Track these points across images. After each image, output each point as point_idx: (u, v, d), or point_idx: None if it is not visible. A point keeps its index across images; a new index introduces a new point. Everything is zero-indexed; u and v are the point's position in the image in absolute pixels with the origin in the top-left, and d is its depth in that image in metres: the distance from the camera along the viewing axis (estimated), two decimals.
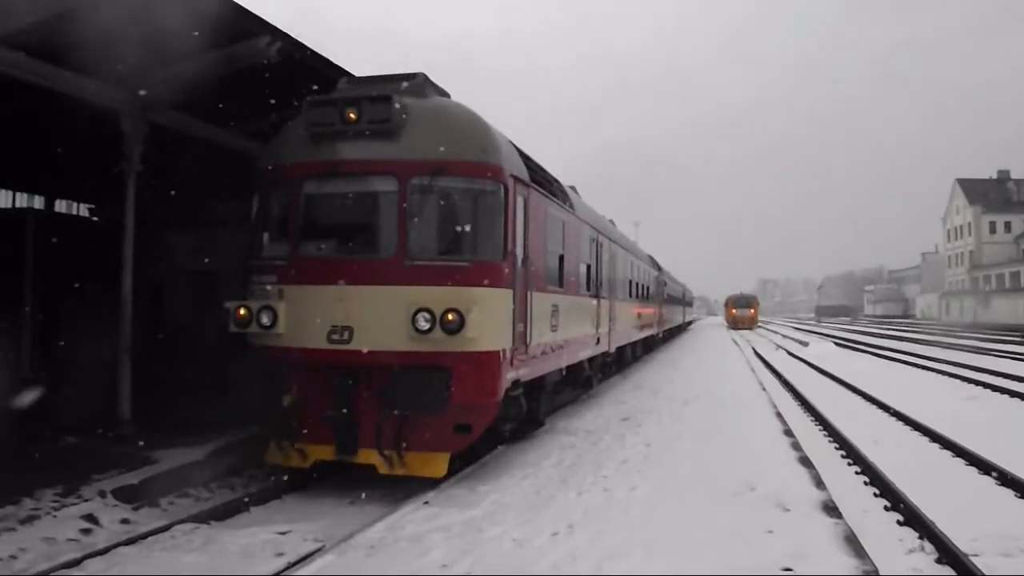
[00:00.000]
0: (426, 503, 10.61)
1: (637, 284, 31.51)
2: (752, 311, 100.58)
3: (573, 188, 21.08)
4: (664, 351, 44.95)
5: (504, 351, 11.84)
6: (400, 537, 9.24)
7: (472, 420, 11.38)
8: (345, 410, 11.35)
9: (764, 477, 10.90)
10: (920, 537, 9.88)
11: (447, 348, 11.06)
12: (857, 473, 13.66)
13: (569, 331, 16.86)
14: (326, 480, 12.58)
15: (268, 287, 12.09)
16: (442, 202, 11.81)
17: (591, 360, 21.09)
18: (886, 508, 11.38)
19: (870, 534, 9.32)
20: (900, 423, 19.12)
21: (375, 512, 10.69)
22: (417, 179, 11.56)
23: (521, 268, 12.75)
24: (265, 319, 11.74)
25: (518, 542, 8.76)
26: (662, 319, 44.18)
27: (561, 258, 16.44)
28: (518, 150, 13.63)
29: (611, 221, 29.35)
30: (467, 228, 11.98)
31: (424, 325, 10.97)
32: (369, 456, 11.32)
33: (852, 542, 8.18)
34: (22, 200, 24.47)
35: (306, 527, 10.29)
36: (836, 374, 30.32)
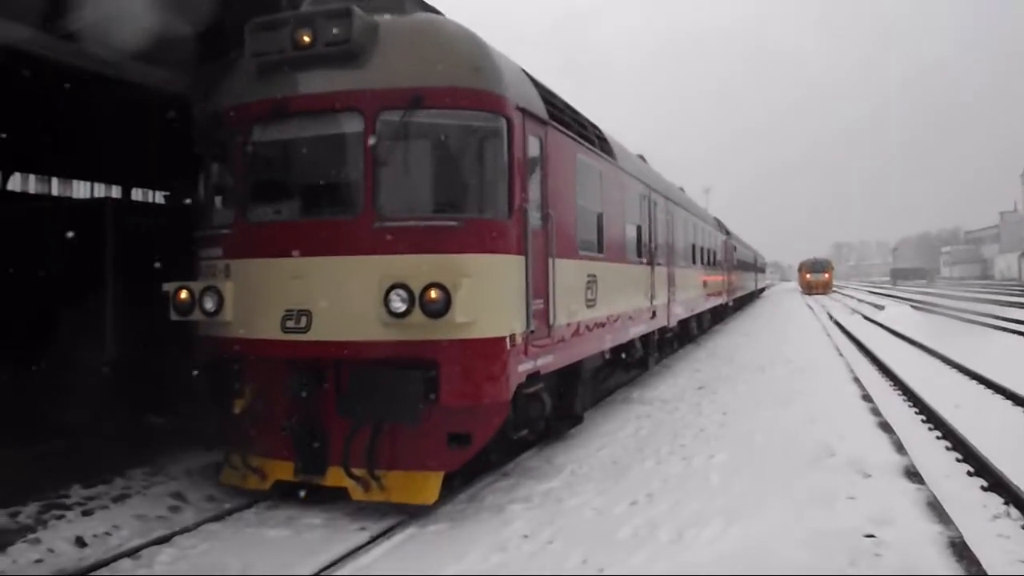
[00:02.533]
0: (505, 474, 10.75)
1: (702, 249, 28.62)
2: (826, 275, 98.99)
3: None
4: (736, 319, 44.55)
5: (513, 336, 9.38)
6: (481, 508, 9.40)
7: (471, 428, 9.11)
8: (305, 418, 9.27)
9: (843, 443, 10.81)
10: (1005, 503, 9.78)
11: (432, 336, 8.78)
12: (938, 438, 13.51)
13: (613, 306, 14.27)
14: None
15: (213, 263, 10.10)
16: (422, 143, 9.48)
17: (645, 338, 18.15)
18: (969, 473, 11.26)
19: (953, 500, 9.23)
20: (981, 386, 18.82)
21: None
22: (388, 114, 9.10)
23: (538, 229, 10.29)
24: (209, 303, 9.64)
25: (598, 511, 8.86)
26: (731, 286, 41.32)
27: (600, 217, 13.75)
28: (531, 79, 11.09)
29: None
30: (457, 177, 9.69)
31: (399, 306, 8.61)
32: (340, 477, 9.13)
33: (935, 507, 8.10)
34: (100, 190, 25.19)
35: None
36: (913, 337, 29.84)
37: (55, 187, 28.92)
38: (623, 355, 16.11)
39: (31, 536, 8.68)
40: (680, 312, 22.87)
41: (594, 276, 13.02)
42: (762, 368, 20.33)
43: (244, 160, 9.78)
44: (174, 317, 9.92)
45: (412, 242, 8.96)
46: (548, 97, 11.43)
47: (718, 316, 37.98)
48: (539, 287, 10.20)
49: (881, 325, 38.25)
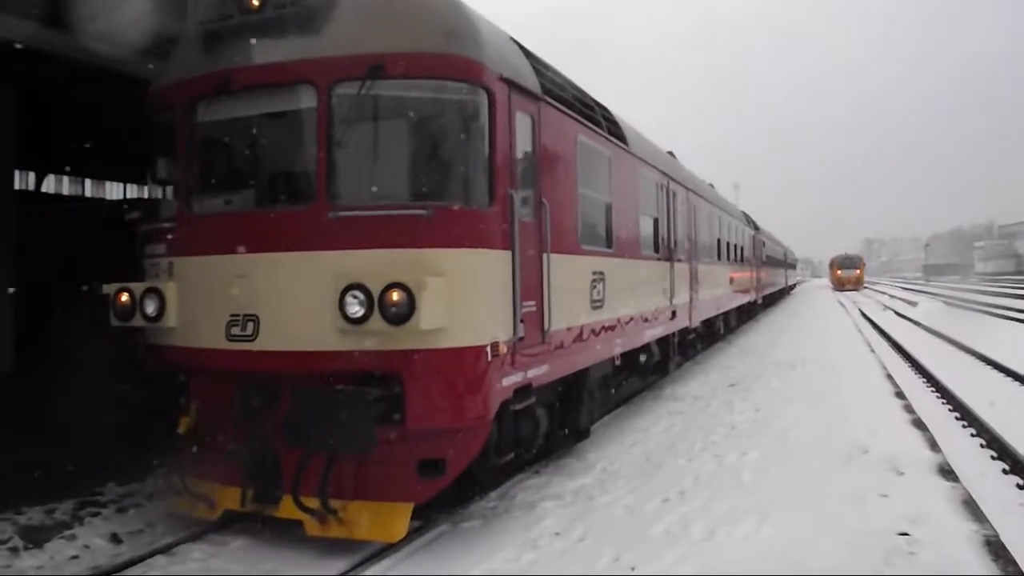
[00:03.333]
0: (537, 472, 10.76)
1: (728, 244, 27.12)
2: (858, 271, 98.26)
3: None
4: (767, 316, 44.29)
5: (496, 345, 8.09)
6: (512, 506, 9.42)
7: (445, 453, 7.96)
8: (255, 441, 7.99)
9: (877, 440, 10.75)
10: None
11: (396, 346, 7.57)
12: (972, 435, 13.42)
13: (624, 306, 12.92)
14: None
15: (156, 261, 8.99)
16: (385, 119, 8.25)
17: (663, 340, 16.73)
18: (1005, 471, 11.18)
19: (989, 498, 9.16)
20: (1016, 383, 18.65)
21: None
22: (344, 86, 7.90)
23: (530, 220, 9.01)
24: (150, 307, 8.52)
25: (630, 508, 8.86)
26: (760, 283, 39.70)
27: (609, 209, 12.43)
28: (522, 48, 9.77)
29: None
30: (426, 159, 8.37)
31: (355, 311, 7.43)
32: (294, 509, 7.85)
33: (970, 505, 8.04)
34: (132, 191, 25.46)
35: None
36: (947, 334, 29.58)
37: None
38: (640, 359, 14.88)
39: (67, 532, 8.82)
40: (704, 311, 21.54)
41: (601, 274, 11.68)
42: (794, 365, 20.22)
43: (187, 143, 8.68)
44: (115, 323, 8.82)
45: (372, 235, 7.71)
46: (542, 70, 10.05)
47: (747, 314, 36.64)
48: (530, 287, 8.93)
49: (914, 321, 37.94)
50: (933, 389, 18.20)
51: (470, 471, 8.46)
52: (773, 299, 54.50)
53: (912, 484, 8.88)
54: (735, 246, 29.25)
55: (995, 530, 7.30)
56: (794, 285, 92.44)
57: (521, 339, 8.63)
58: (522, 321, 8.62)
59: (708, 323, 23.65)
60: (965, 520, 7.59)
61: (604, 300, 11.77)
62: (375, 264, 7.58)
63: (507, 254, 8.40)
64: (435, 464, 7.98)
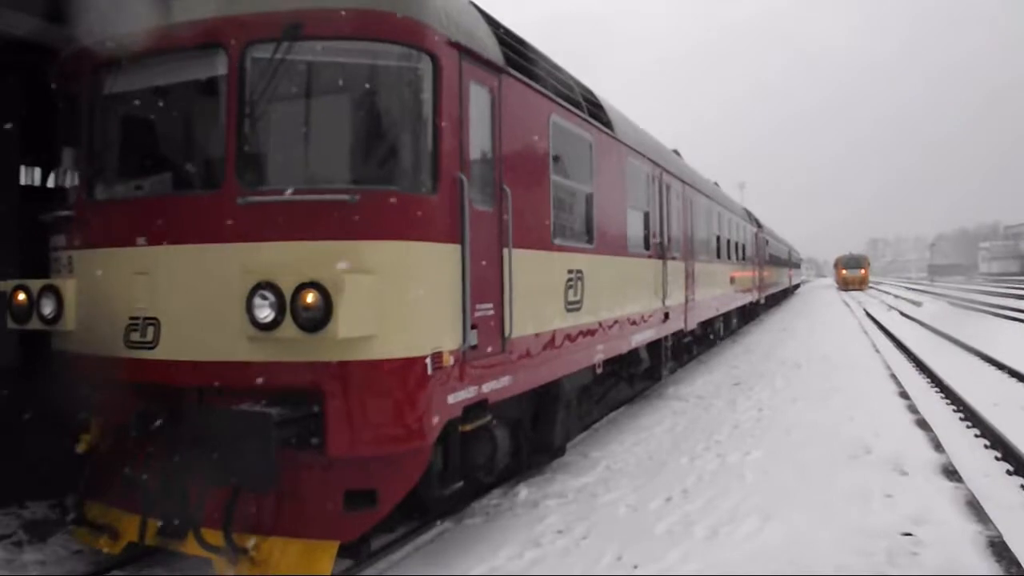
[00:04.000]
0: (539, 470, 10.75)
1: (729, 242, 25.89)
2: (863, 271, 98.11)
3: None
4: (771, 316, 44.24)
5: (438, 356, 6.86)
6: (515, 503, 9.41)
7: (376, 483, 6.75)
8: (157, 465, 6.65)
9: (880, 440, 10.74)
10: None
11: (314, 357, 6.38)
12: (977, 436, 13.38)
13: (607, 308, 11.70)
14: None
15: (58, 255, 7.89)
16: (306, 87, 7.01)
17: (654, 345, 15.36)
18: (1009, 472, 11.15)
19: (992, 499, 9.15)
20: (1021, 384, 18.61)
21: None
22: (258, 49, 6.69)
23: (487, 210, 7.80)
24: (47, 308, 7.38)
25: (632, 507, 8.85)
26: (763, 283, 38.53)
27: (590, 200, 11.16)
28: (481, 11, 8.52)
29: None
30: (354, 134, 7.15)
31: (265, 314, 6.20)
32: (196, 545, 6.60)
33: (974, 506, 8.04)
34: None
35: None
36: (951, 334, 29.53)
37: None
38: (627, 367, 13.89)
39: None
40: (701, 313, 20.16)
41: (579, 272, 10.44)
42: (798, 364, 20.20)
43: (88, 120, 7.55)
44: (11, 325, 7.65)
45: (288, 225, 6.50)
46: (507, 38, 8.76)
47: (748, 315, 35.65)
48: (486, 287, 7.73)
49: (918, 321, 37.88)
50: (937, 389, 18.16)
51: (419, 497, 7.40)
52: (776, 299, 53.88)
53: (916, 484, 8.88)
54: (736, 244, 28.10)
55: (999, 531, 7.30)
56: (798, 285, 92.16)
57: (474, 348, 7.45)
58: (475, 327, 7.46)
59: (706, 325, 22.53)
60: (969, 521, 7.60)
61: (582, 302, 10.56)
62: (290, 259, 6.41)
63: (455, 249, 7.19)
64: (365, 496, 6.74)
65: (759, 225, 39.22)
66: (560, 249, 9.86)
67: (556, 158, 9.77)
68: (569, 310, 10.11)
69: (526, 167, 8.94)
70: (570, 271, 10.17)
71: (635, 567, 7.14)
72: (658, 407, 15.18)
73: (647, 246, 14.44)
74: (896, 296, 73.11)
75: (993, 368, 21.40)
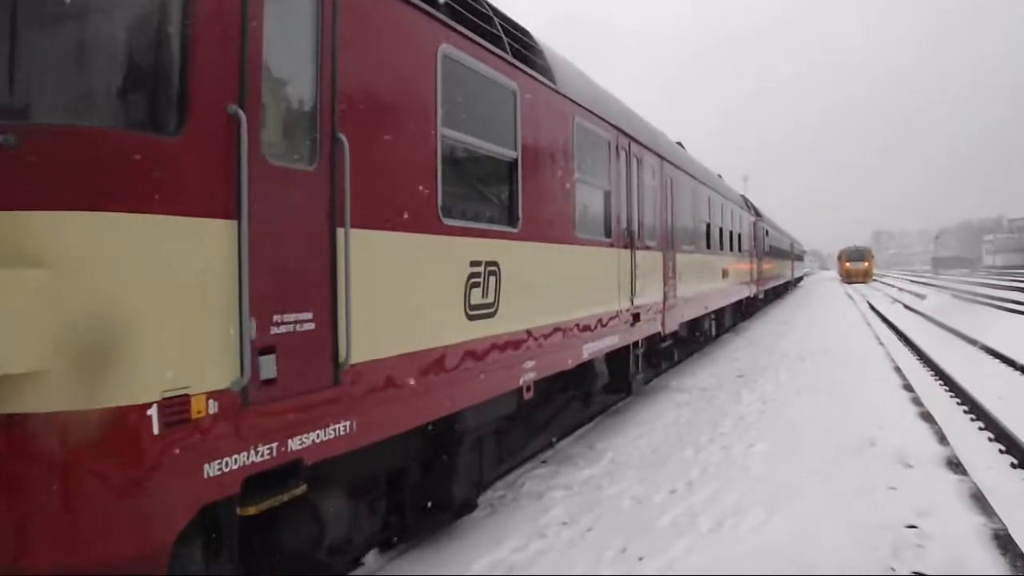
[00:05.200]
0: (543, 462, 10.77)
1: (721, 231, 23.52)
2: (866, 264, 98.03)
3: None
4: (773, 308, 44.19)
5: (178, 404, 4.32)
6: (520, 495, 9.43)
7: None
8: None
9: (884, 433, 10.73)
10: None
11: None
12: (981, 429, 13.38)
13: (540, 312, 9.08)
14: None
15: None
16: None
17: (615, 353, 12.47)
18: (1013, 465, 11.16)
19: (997, 492, 9.12)
20: None
21: None
22: None
23: (300, 167, 5.28)
24: None
25: (637, 499, 8.87)
26: (761, 276, 36.27)
27: (512, 168, 8.57)
28: None
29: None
30: (26, 35, 4.40)
31: None
32: None
33: (978, 499, 8.03)
34: None
35: None
36: (955, 327, 29.48)
37: None
38: (578, 384, 11.48)
39: None
40: (684, 312, 17.35)
41: (493, 265, 7.92)
42: (802, 357, 20.19)
43: None
44: None
45: None
46: None
47: (744, 312, 33.02)
48: (298, 288, 5.21)
49: (922, 314, 37.83)
50: (941, 382, 18.14)
51: None
52: (777, 293, 52.18)
53: (920, 477, 8.87)
54: (731, 233, 25.84)
55: (1003, 523, 7.29)
56: (801, 278, 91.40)
57: (268, 383, 4.93)
58: (270, 351, 4.94)
59: (693, 325, 20.04)
60: (973, 513, 7.58)
61: (497, 304, 8.00)
62: None
63: (225, 227, 4.64)
64: None
65: (758, 213, 37.46)
66: (456, 232, 7.27)
67: (450, 105, 7.18)
68: (474, 317, 7.56)
69: (387, 111, 6.35)
70: (475, 263, 7.61)
71: (640, 559, 7.15)
72: (662, 400, 15.20)
73: (607, 232, 11.89)
74: (900, 289, 72.97)
75: (997, 361, 21.36)
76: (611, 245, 11.91)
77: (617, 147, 12.44)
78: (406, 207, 6.49)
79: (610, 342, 11.76)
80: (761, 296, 38.15)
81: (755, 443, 10.83)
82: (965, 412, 14.79)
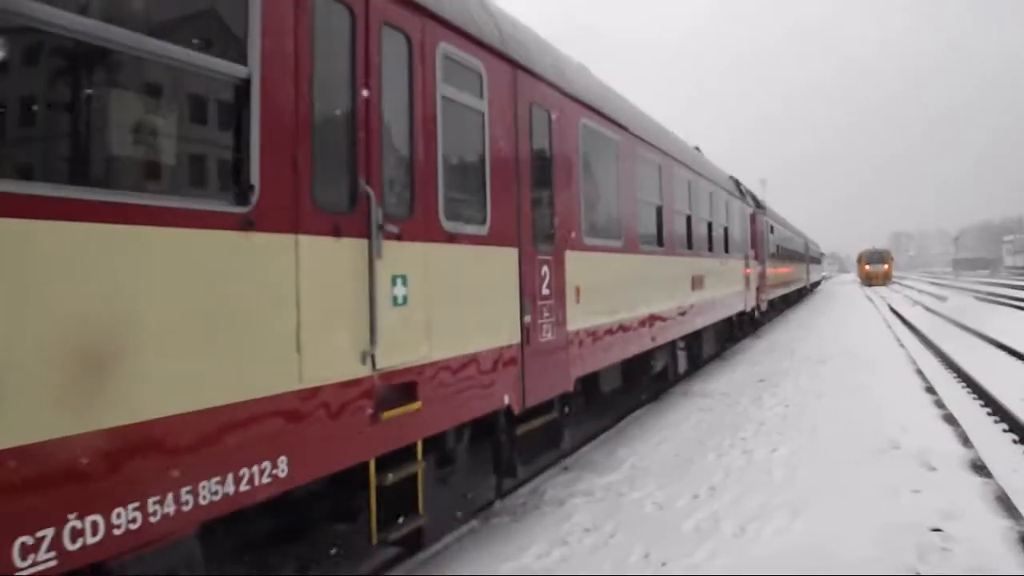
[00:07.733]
0: (565, 468, 10.77)
1: (691, 221, 16.40)
2: (886, 266, 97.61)
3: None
4: (790, 315, 43.99)
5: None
6: (542, 502, 9.43)
7: None
8: None
9: (908, 435, 10.69)
10: None
11: None
12: (1005, 431, 13.28)
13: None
14: None
15: None
16: None
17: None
18: None
19: (1022, 493, 9.07)
20: None
21: None
22: None
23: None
24: None
25: (659, 505, 8.86)
26: (763, 284, 29.07)
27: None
28: None
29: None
30: None
31: None
32: None
33: (1004, 502, 7.98)
34: None
35: None
36: (978, 329, 29.28)
37: None
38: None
39: None
40: (595, 358, 10.56)
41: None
42: (823, 360, 20.11)
43: None
44: None
45: None
46: None
47: (738, 331, 26.10)
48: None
49: (943, 316, 37.60)
50: (964, 384, 18.01)
51: None
52: (788, 301, 44.95)
53: (944, 479, 8.83)
54: (711, 225, 19.30)
55: None
56: (819, 282, 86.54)
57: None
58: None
59: (640, 362, 13.38)
60: (998, 516, 7.55)
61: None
62: None
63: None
64: None
65: (757, 204, 29.94)
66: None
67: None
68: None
69: None
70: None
71: (663, 564, 7.15)
72: (683, 404, 15.17)
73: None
74: (920, 291, 72.57)
75: (1020, 363, 21.21)
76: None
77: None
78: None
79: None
80: (762, 309, 29.28)
81: (777, 447, 10.80)
82: (989, 414, 14.69)
